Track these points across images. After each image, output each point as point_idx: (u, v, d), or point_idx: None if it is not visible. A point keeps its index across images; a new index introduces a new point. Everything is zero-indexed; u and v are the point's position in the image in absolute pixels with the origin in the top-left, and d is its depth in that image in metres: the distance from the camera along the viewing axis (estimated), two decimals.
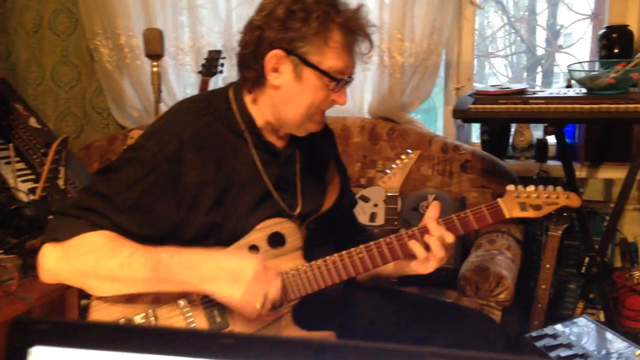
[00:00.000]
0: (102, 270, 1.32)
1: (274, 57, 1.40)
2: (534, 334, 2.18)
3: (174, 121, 1.43)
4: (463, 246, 2.54)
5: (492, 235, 2.55)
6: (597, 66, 2.71)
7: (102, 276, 1.33)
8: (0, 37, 3.28)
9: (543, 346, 2.08)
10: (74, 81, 3.36)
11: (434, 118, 3.37)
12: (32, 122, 2.85)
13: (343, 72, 1.43)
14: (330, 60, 1.40)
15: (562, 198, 1.53)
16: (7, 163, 2.58)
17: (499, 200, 1.52)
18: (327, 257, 1.45)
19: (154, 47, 2.33)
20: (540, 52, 3.22)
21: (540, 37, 3.26)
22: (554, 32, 3.17)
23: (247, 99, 1.49)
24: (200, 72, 2.83)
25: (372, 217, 2.65)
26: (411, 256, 1.48)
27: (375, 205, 2.66)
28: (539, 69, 3.24)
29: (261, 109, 1.48)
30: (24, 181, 2.45)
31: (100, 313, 1.37)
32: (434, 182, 2.76)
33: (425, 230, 1.46)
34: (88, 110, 3.37)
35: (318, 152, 1.61)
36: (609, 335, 2.12)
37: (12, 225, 2.06)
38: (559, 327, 2.20)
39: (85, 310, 1.40)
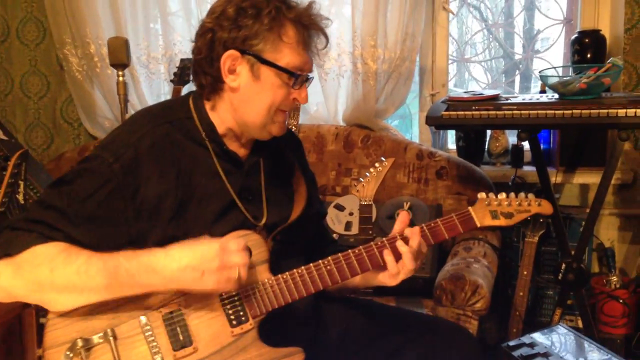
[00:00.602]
0: (59, 280, 1.25)
1: (228, 57, 1.37)
2: (511, 343, 2.15)
3: (131, 131, 1.38)
4: (439, 254, 2.51)
5: (468, 243, 2.52)
6: (570, 71, 2.70)
7: (59, 287, 1.26)
8: None
9: (520, 355, 2.06)
10: (43, 91, 3.30)
11: (410, 125, 3.35)
12: None
13: (301, 68, 1.41)
14: (287, 57, 1.38)
15: (534, 205, 1.51)
16: None
17: (470, 208, 1.49)
18: (294, 270, 1.41)
19: (119, 56, 2.28)
20: (516, 57, 3.21)
21: (518, 42, 3.25)
22: (530, 37, 3.16)
23: (207, 106, 1.45)
24: (172, 81, 2.78)
25: (348, 226, 2.61)
26: (380, 267, 1.44)
27: (351, 214, 2.63)
28: (517, 73, 3.22)
29: (221, 115, 1.44)
30: None
31: (56, 333, 1.31)
32: (410, 190, 2.73)
33: (394, 241, 1.43)
34: (58, 120, 3.31)
35: (283, 161, 1.57)
36: (587, 344, 2.10)
37: None
38: (536, 335, 2.17)
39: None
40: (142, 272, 1.26)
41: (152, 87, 3.15)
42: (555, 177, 2.81)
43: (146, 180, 1.34)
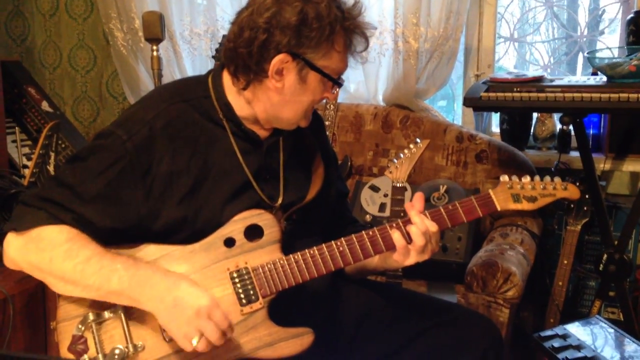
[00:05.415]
0: (56, 270, 1.29)
1: (280, 61, 1.33)
2: (543, 333, 2.09)
3: (147, 108, 1.38)
4: (475, 239, 2.45)
5: (506, 229, 2.45)
6: (626, 53, 2.56)
7: (56, 276, 1.30)
8: (16, 20, 3.28)
9: (551, 347, 1.99)
10: (90, 65, 3.36)
11: (454, 106, 3.26)
12: (44, 105, 2.86)
13: (342, 72, 1.41)
14: (334, 63, 1.37)
15: (560, 189, 1.45)
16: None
17: (491, 191, 1.44)
18: (306, 251, 1.39)
19: (153, 30, 2.28)
20: (577, 37, 3.05)
21: (583, 23, 3.07)
22: (593, 17, 3.00)
23: (230, 89, 1.43)
24: (213, 57, 2.77)
25: (382, 207, 2.57)
26: (394, 249, 1.41)
27: (385, 196, 2.58)
28: (570, 54, 3.07)
29: (252, 105, 1.42)
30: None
31: (69, 306, 1.34)
32: (448, 173, 2.67)
33: (408, 221, 1.39)
34: (104, 94, 3.37)
35: (304, 141, 1.55)
36: (623, 337, 2.02)
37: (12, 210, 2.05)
38: (571, 327, 2.11)
39: None
40: (133, 283, 1.28)
41: (195, 63, 3.16)
42: (604, 164, 2.69)
43: (159, 158, 1.34)
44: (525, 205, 1.43)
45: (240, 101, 1.43)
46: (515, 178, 1.45)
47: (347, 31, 1.36)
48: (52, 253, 1.27)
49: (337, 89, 1.45)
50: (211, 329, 1.26)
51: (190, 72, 3.14)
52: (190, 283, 1.29)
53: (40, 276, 1.32)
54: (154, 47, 2.35)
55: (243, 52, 1.35)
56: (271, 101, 1.39)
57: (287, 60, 1.34)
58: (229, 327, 1.29)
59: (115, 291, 1.28)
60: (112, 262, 1.28)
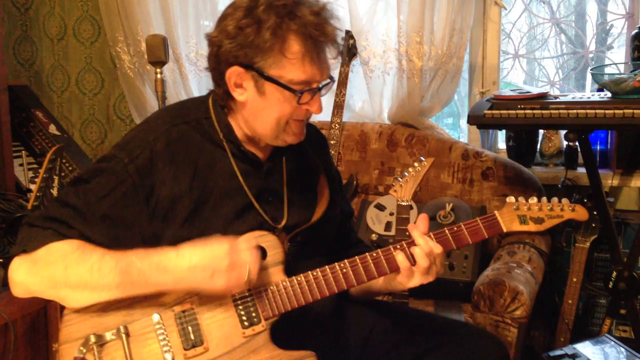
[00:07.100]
0: (72, 277, 1.27)
1: (233, 73, 1.34)
2: (552, 353, 2.07)
3: (148, 131, 1.39)
4: (482, 258, 2.43)
5: (513, 247, 2.43)
6: (631, 68, 2.55)
7: (72, 284, 1.28)
8: (24, 44, 3.31)
9: None
10: (97, 88, 3.39)
11: (460, 123, 3.25)
12: (52, 129, 2.89)
13: (308, 82, 1.34)
14: (291, 73, 1.32)
15: (567, 211, 1.43)
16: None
17: (497, 212, 1.43)
18: (309, 273, 1.39)
19: (157, 53, 2.30)
20: (582, 53, 3.04)
21: (589, 38, 3.07)
22: (599, 33, 3.00)
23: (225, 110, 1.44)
24: None
25: (388, 226, 2.56)
26: (399, 271, 1.40)
27: (391, 214, 2.57)
28: (576, 69, 3.06)
29: (237, 122, 1.43)
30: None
31: (71, 328, 1.33)
32: (454, 191, 2.65)
33: (412, 243, 1.38)
34: (111, 116, 3.39)
35: (307, 161, 1.54)
36: (634, 356, 1.99)
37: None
38: (581, 346, 2.08)
39: None
40: (154, 271, 1.27)
41: (201, 84, 3.18)
42: (612, 180, 2.67)
43: (161, 181, 1.35)
44: (532, 227, 1.42)
45: (233, 122, 1.44)
46: (522, 199, 1.43)
47: (299, 35, 1.29)
48: (66, 261, 1.27)
49: (317, 97, 1.37)
50: (246, 255, 1.28)
51: (196, 93, 3.16)
52: (204, 246, 1.29)
53: (53, 293, 1.30)
54: (158, 70, 2.37)
55: (210, 70, 1.39)
56: (243, 116, 1.40)
57: (241, 72, 1.33)
58: (254, 242, 1.32)
59: (137, 282, 1.27)
60: (125, 256, 1.28)
